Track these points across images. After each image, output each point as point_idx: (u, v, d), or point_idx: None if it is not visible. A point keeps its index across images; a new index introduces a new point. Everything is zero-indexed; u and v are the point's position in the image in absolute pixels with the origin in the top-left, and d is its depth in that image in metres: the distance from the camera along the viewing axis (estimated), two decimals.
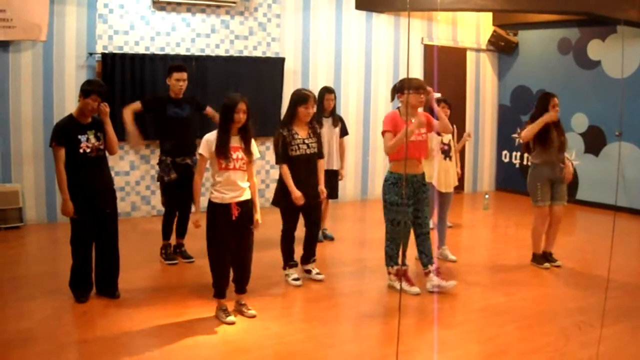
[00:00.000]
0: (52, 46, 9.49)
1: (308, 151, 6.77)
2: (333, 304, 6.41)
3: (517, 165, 13.57)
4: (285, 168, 6.69)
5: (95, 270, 6.33)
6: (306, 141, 6.77)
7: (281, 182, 6.86)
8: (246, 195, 5.67)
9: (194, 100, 7.83)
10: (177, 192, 7.58)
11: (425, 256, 6.73)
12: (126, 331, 5.45)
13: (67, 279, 6.20)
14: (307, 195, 6.76)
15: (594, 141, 12.03)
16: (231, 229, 5.59)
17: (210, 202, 5.63)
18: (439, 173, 7.72)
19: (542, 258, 7.83)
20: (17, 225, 9.27)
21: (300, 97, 6.79)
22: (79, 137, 5.97)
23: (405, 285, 6.69)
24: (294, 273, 6.98)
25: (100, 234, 6.23)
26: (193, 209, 6.33)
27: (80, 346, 5.15)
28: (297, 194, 6.62)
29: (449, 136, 7.87)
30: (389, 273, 6.83)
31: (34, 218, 9.63)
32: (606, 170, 11.72)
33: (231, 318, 5.69)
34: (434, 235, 7.94)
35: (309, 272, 7.15)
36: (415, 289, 6.61)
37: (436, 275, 6.69)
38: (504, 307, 6.24)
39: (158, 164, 7.70)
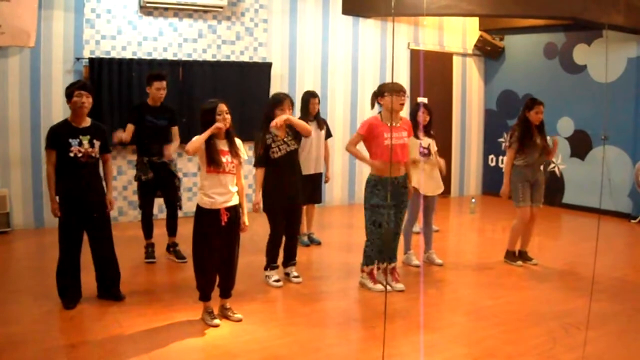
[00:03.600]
0: (40, 51, 9.48)
1: (289, 149, 6.87)
2: (319, 308, 6.43)
3: (504, 170, 13.57)
4: (260, 172, 6.82)
5: (95, 275, 6.37)
6: (285, 140, 6.87)
7: (264, 186, 6.94)
8: (235, 200, 5.68)
9: (172, 113, 7.94)
10: (155, 191, 7.84)
11: (391, 254, 6.89)
12: (114, 336, 5.44)
13: (55, 284, 6.18)
14: (289, 196, 6.84)
15: (580, 145, 12.09)
16: (219, 234, 5.60)
17: (198, 207, 5.63)
18: (423, 177, 7.77)
19: (515, 256, 8.01)
20: (4, 230, 9.25)
21: (275, 100, 6.97)
22: (70, 140, 5.97)
23: (370, 284, 6.91)
24: (275, 275, 7.05)
25: (93, 240, 6.25)
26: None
27: (69, 351, 5.13)
28: (257, 199, 6.80)
29: (429, 140, 7.92)
30: (362, 271, 6.98)
31: (22, 223, 9.60)
32: (592, 174, 11.79)
33: (216, 321, 5.71)
34: (420, 240, 8.02)
35: (287, 274, 7.22)
36: (380, 287, 6.84)
37: (391, 274, 6.88)
38: (491, 310, 6.27)
39: (136, 165, 7.89)
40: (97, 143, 6.11)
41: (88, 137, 6.06)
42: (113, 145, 7.86)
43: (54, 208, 6.04)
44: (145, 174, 7.64)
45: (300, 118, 8.39)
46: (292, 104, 6.96)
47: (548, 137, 7.99)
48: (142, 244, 8.00)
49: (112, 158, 9.70)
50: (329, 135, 8.92)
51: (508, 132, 7.91)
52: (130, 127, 7.64)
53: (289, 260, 7.24)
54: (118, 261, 6.46)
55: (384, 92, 6.71)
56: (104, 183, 6.37)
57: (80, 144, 6.00)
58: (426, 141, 7.88)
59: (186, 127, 8.46)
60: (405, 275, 7.48)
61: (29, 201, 9.63)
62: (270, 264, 7.07)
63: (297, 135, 7.07)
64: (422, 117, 7.89)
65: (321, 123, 8.71)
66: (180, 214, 8.02)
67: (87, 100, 6.04)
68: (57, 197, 6.07)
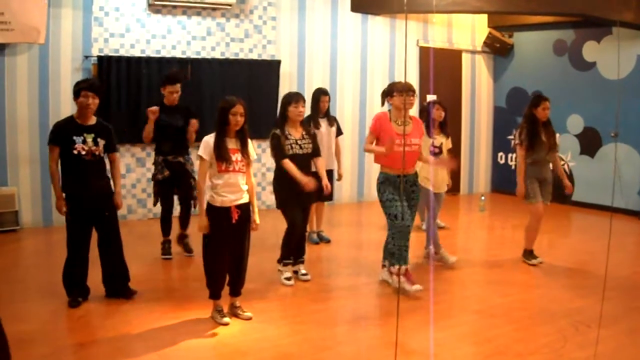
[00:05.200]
0: (48, 49, 9.48)
1: (300, 152, 6.82)
2: (329, 306, 6.42)
3: (513, 167, 13.55)
4: (287, 162, 6.71)
5: (102, 274, 6.37)
6: (299, 142, 6.82)
7: (277, 183, 6.96)
8: (245, 199, 5.67)
9: (189, 110, 7.95)
10: (173, 189, 7.86)
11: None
12: (123, 334, 5.44)
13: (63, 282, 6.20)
14: (303, 194, 6.82)
15: (590, 142, 12.04)
16: (229, 232, 5.58)
17: (209, 205, 5.61)
18: (432, 174, 7.76)
19: (532, 254, 7.98)
20: (13, 228, 9.26)
21: (289, 97, 6.92)
22: (74, 137, 5.96)
23: (407, 285, 6.63)
24: (287, 272, 7.04)
25: (101, 238, 6.25)
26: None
27: (77, 349, 5.14)
28: (304, 180, 6.58)
29: (441, 139, 7.90)
30: (383, 266, 6.95)
31: (30, 221, 9.61)
32: (602, 172, 11.74)
33: (226, 319, 5.71)
34: (424, 236, 8.02)
35: (296, 272, 7.21)
36: (417, 287, 6.57)
37: (404, 276, 6.69)
38: (501, 308, 6.24)
39: (153, 164, 7.92)
40: (101, 142, 6.09)
41: (92, 135, 6.05)
42: (138, 141, 7.83)
43: (59, 205, 6.05)
44: (161, 173, 7.70)
45: (310, 115, 8.41)
46: (304, 101, 6.93)
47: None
48: (150, 242, 8.02)
49: (121, 156, 9.78)
50: (339, 132, 8.89)
51: (516, 130, 7.84)
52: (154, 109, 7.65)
53: (297, 257, 7.22)
54: (127, 259, 6.45)
55: (393, 92, 6.70)
56: (111, 182, 6.34)
57: (84, 141, 5.99)
58: (438, 140, 7.86)
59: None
60: (415, 272, 7.46)
61: (38, 199, 9.64)
62: (284, 260, 7.05)
63: (314, 139, 7.09)
64: (437, 114, 7.88)
65: (332, 120, 8.70)
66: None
67: (93, 102, 6.02)
68: (64, 195, 6.07)
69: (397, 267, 6.71)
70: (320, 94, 8.58)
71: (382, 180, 6.64)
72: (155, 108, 7.55)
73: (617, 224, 10.72)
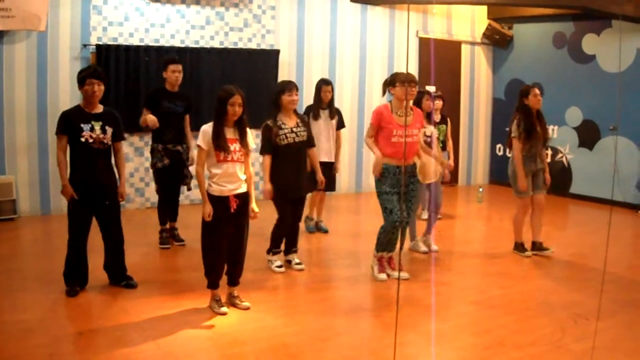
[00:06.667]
0: (46, 38, 9.44)
1: (297, 139, 6.82)
2: (327, 297, 6.42)
3: (511, 159, 13.50)
4: (267, 159, 6.77)
5: (105, 262, 6.40)
6: (294, 130, 6.82)
7: (270, 174, 6.92)
8: (244, 188, 5.66)
9: (189, 100, 7.98)
10: (172, 177, 7.82)
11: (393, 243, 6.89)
12: (122, 323, 5.43)
13: (62, 271, 6.17)
14: (297, 185, 6.85)
15: (588, 135, 12.03)
16: (228, 222, 5.58)
17: (208, 195, 5.59)
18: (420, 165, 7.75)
19: (524, 247, 7.96)
20: (10, 217, 9.23)
21: (282, 86, 6.96)
22: (82, 125, 5.93)
23: (375, 271, 6.89)
24: (277, 260, 7.09)
25: (104, 227, 6.25)
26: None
27: (76, 338, 5.13)
28: (267, 187, 6.73)
29: (431, 129, 7.89)
30: (374, 256, 6.95)
31: (28, 210, 9.58)
32: (600, 165, 11.74)
33: (224, 309, 5.70)
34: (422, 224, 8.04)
35: (289, 262, 7.21)
36: (383, 276, 6.81)
37: (388, 264, 6.93)
38: (500, 300, 6.25)
39: (150, 152, 7.88)
40: (109, 130, 6.07)
41: (100, 123, 6.02)
42: (137, 130, 7.79)
43: (67, 191, 5.96)
44: (161, 161, 7.66)
45: (312, 105, 8.41)
46: (297, 89, 6.92)
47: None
48: (148, 231, 8.03)
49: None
50: (341, 125, 8.84)
51: (512, 123, 7.76)
52: (146, 113, 7.62)
53: (291, 247, 7.24)
54: (125, 248, 6.45)
55: (395, 82, 6.69)
56: (115, 171, 6.32)
57: (92, 129, 5.96)
58: (429, 130, 7.85)
59: (194, 114, 8.43)
60: (412, 263, 7.48)
61: (35, 188, 9.61)
62: (273, 249, 7.11)
63: (309, 127, 7.07)
64: (426, 105, 7.86)
65: (333, 112, 8.62)
66: (187, 201, 8.00)
67: (99, 89, 6.00)
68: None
69: (379, 253, 6.86)
70: (321, 84, 8.54)
71: (381, 171, 6.63)
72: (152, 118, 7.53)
73: (614, 217, 10.74)
